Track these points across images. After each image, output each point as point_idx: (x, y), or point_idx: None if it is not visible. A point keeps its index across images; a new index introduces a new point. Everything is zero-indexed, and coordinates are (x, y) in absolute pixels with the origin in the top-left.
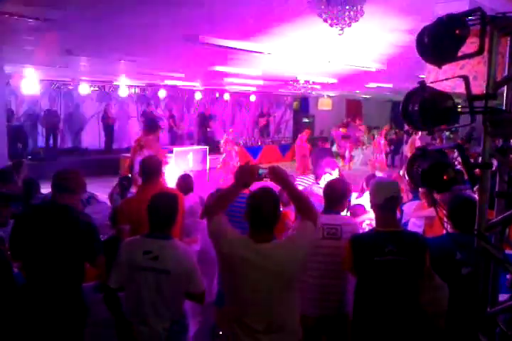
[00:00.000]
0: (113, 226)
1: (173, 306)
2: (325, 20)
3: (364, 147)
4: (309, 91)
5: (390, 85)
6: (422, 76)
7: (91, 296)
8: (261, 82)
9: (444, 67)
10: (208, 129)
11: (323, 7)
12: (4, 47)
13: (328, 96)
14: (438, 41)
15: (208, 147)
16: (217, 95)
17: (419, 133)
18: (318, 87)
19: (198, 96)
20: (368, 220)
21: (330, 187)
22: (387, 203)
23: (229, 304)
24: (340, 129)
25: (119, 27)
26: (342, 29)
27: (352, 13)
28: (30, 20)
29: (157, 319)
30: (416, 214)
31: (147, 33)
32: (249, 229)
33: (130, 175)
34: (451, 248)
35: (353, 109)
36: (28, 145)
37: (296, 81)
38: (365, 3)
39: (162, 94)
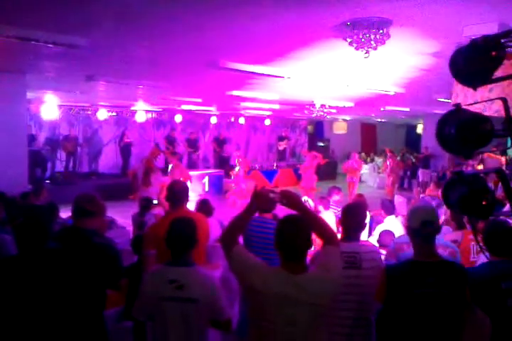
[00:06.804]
0: (135, 252)
1: (199, 336)
2: (350, 44)
3: (380, 170)
4: (325, 115)
5: (407, 109)
6: (440, 99)
7: (113, 324)
8: (277, 106)
9: (472, 90)
10: (223, 154)
11: (348, 31)
12: (27, 73)
13: (344, 120)
14: (473, 63)
15: (223, 171)
16: (232, 119)
17: None
18: (334, 110)
19: (213, 120)
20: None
21: (348, 212)
22: (423, 228)
23: (256, 338)
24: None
25: (140, 53)
26: (368, 52)
27: (378, 36)
28: (59, 47)
29: None
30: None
31: (168, 59)
32: (281, 259)
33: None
34: (495, 277)
35: (368, 132)
36: (48, 169)
37: (313, 105)
38: (391, 26)
39: (178, 118)
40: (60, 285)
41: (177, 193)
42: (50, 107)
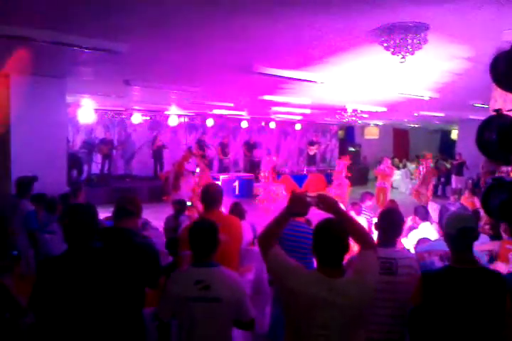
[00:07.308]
0: (171, 253)
1: (224, 335)
2: (387, 49)
3: (413, 177)
4: (357, 120)
5: (442, 114)
6: (476, 104)
7: (151, 323)
8: (308, 111)
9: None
10: (254, 158)
11: (385, 35)
12: (67, 78)
13: (376, 125)
14: None
15: (253, 175)
16: (263, 124)
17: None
18: (365, 115)
19: (244, 124)
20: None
21: (386, 217)
22: (460, 234)
23: (291, 339)
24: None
25: (176, 59)
26: (404, 57)
27: (415, 41)
28: (99, 52)
29: None
30: (477, 248)
31: (203, 64)
32: (318, 263)
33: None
34: None
35: (400, 138)
36: (84, 171)
37: (344, 110)
38: (428, 31)
39: (210, 122)
40: (106, 283)
41: (211, 195)
42: (87, 111)
